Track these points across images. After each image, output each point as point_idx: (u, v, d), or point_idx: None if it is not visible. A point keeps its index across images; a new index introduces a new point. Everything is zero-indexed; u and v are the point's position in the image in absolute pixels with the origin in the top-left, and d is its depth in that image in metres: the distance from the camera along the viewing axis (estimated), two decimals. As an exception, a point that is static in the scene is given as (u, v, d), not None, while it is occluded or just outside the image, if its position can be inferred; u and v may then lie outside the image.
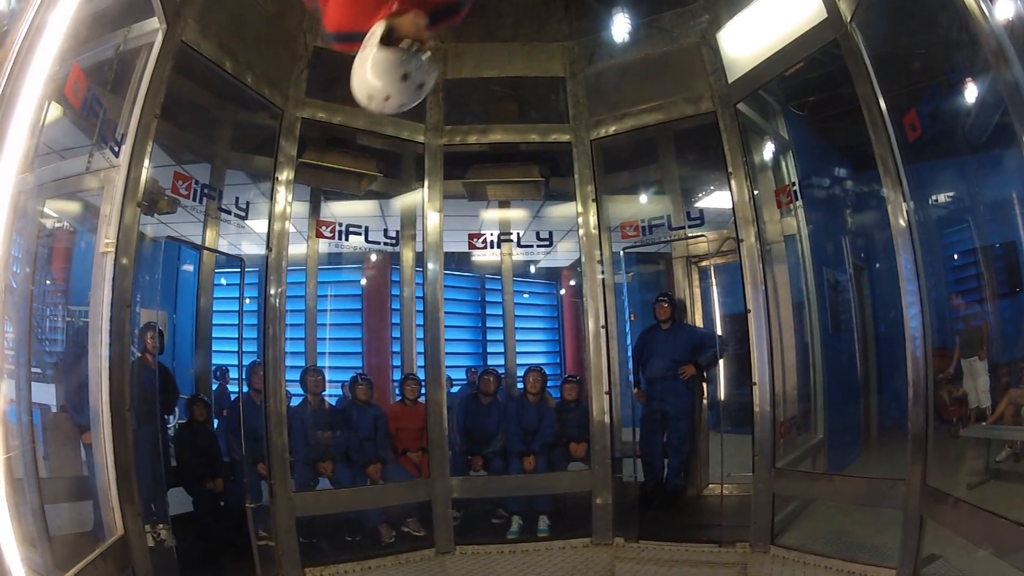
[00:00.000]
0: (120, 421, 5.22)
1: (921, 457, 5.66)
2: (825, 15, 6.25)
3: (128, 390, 5.39)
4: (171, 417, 7.76)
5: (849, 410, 8.63)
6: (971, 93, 5.54)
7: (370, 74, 3.23)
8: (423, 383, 8.40)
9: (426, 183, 8.33)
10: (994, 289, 7.05)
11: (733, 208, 7.61)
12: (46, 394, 6.08)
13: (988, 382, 6.79)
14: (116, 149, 5.47)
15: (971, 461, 6.47)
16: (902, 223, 5.86)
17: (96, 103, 5.17)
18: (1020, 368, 6.55)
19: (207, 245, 7.74)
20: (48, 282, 6.69)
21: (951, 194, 7.43)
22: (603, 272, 8.29)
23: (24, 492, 4.76)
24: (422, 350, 8.50)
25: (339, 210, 9.68)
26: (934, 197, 7.28)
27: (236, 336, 7.43)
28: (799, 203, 7.86)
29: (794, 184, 7.90)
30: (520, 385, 9.22)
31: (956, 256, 7.48)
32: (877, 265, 8.70)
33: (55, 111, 4.82)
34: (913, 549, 5.60)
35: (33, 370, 5.57)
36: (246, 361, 7.64)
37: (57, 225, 6.56)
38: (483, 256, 9.86)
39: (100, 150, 5.39)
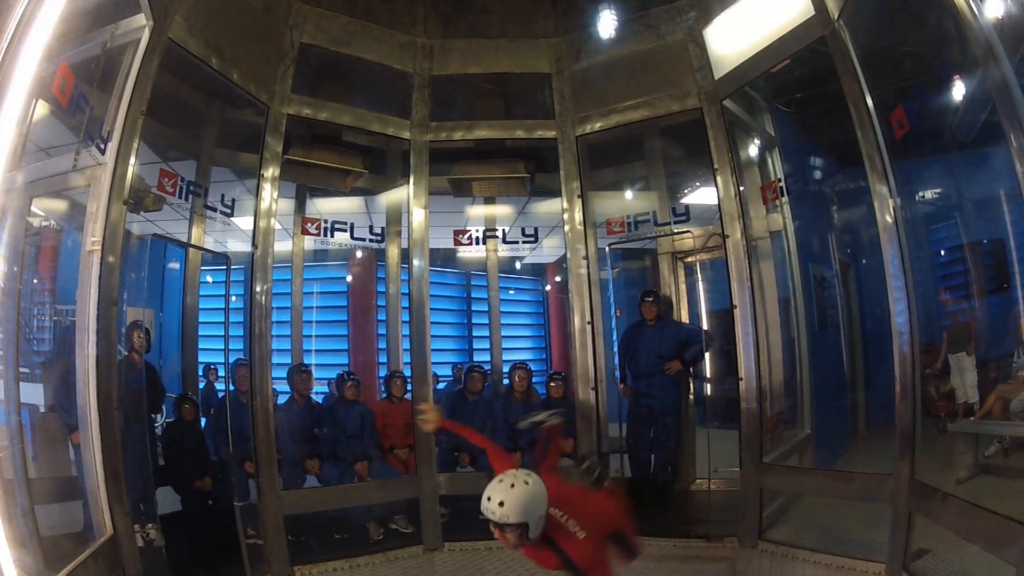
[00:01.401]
0: (108, 420, 5.18)
1: (909, 452, 5.70)
2: (813, 12, 6.28)
3: (115, 389, 5.35)
4: (158, 416, 7.71)
5: (836, 405, 8.68)
6: (959, 90, 5.59)
7: None
8: (409, 380, 8.37)
9: (411, 179, 8.30)
10: (981, 285, 7.11)
11: (719, 204, 7.62)
12: (34, 394, 6.05)
13: (976, 377, 6.85)
14: (102, 146, 5.44)
15: (960, 456, 6.52)
16: (889, 219, 5.89)
17: (83, 100, 5.13)
18: (1008, 363, 6.60)
19: (193, 242, 7.68)
20: (35, 281, 6.65)
21: (938, 191, 7.48)
22: (588, 264, 8.29)
23: (14, 493, 4.74)
24: (408, 347, 8.46)
25: (325, 207, 9.67)
26: (921, 193, 7.33)
27: (222, 334, 7.39)
28: (785, 199, 7.88)
29: (780, 180, 7.89)
30: (506, 382, 9.22)
31: (943, 252, 7.53)
32: (864, 261, 8.74)
33: (42, 108, 4.79)
34: (902, 544, 5.65)
35: (21, 370, 5.54)
36: (232, 359, 7.60)
37: (44, 223, 6.52)
38: (469, 252, 9.83)
39: (87, 148, 5.35)
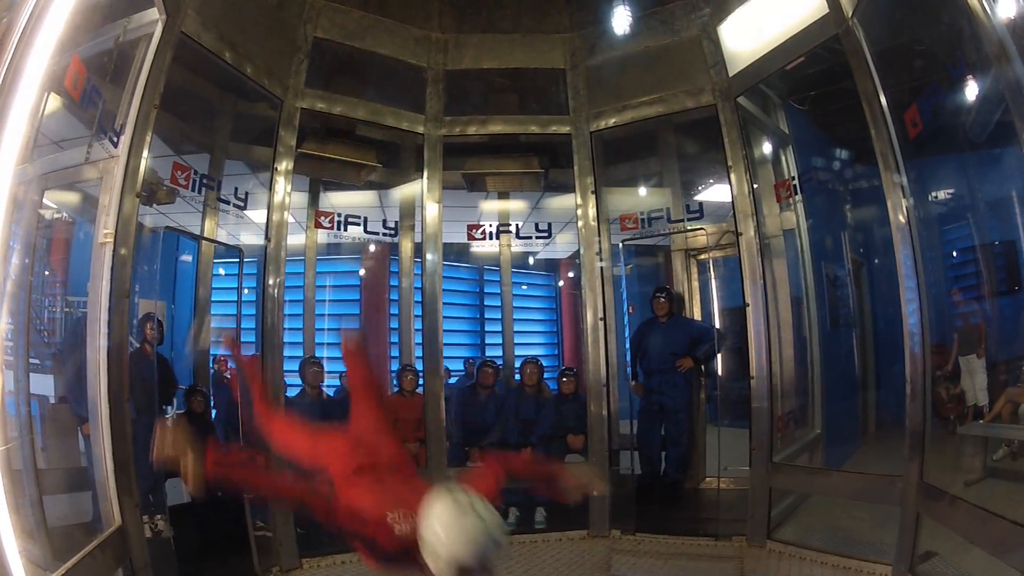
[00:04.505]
0: (118, 412, 5.20)
1: (918, 454, 5.66)
2: (827, 10, 6.22)
3: (126, 381, 5.37)
4: (169, 408, 7.74)
5: (847, 405, 8.64)
6: (972, 90, 5.55)
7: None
8: (421, 374, 8.38)
9: (425, 174, 8.31)
10: (993, 287, 7.06)
11: (732, 202, 7.60)
12: (45, 385, 6.09)
13: (986, 380, 6.81)
14: (115, 139, 5.46)
15: (968, 459, 6.49)
16: (902, 219, 5.85)
17: (96, 94, 5.16)
18: (1018, 366, 6.57)
19: (206, 235, 7.70)
20: (47, 273, 6.69)
21: (951, 191, 7.42)
22: (601, 260, 8.28)
23: (23, 484, 4.77)
24: (420, 341, 8.46)
25: (338, 200, 9.70)
26: (934, 194, 7.28)
27: (235, 327, 7.41)
28: (799, 197, 7.85)
29: (794, 178, 7.88)
30: (518, 377, 9.22)
31: (955, 253, 7.48)
32: (876, 261, 8.70)
33: (55, 102, 4.82)
34: (909, 546, 5.61)
35: (32, 361, 5.58)
36: (244, 352, 7.60)
37: (56, 216, 6.56)
38: (482, 247, 9.89)
39: (99, 140, 5.38)
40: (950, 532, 5.33)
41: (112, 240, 5.31)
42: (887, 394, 7.90)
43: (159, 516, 5.96)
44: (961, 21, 4.91)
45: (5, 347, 5.23)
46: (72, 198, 6.65)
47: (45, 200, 5.88)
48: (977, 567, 5.09)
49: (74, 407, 5.96)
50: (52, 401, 6.22)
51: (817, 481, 7.43)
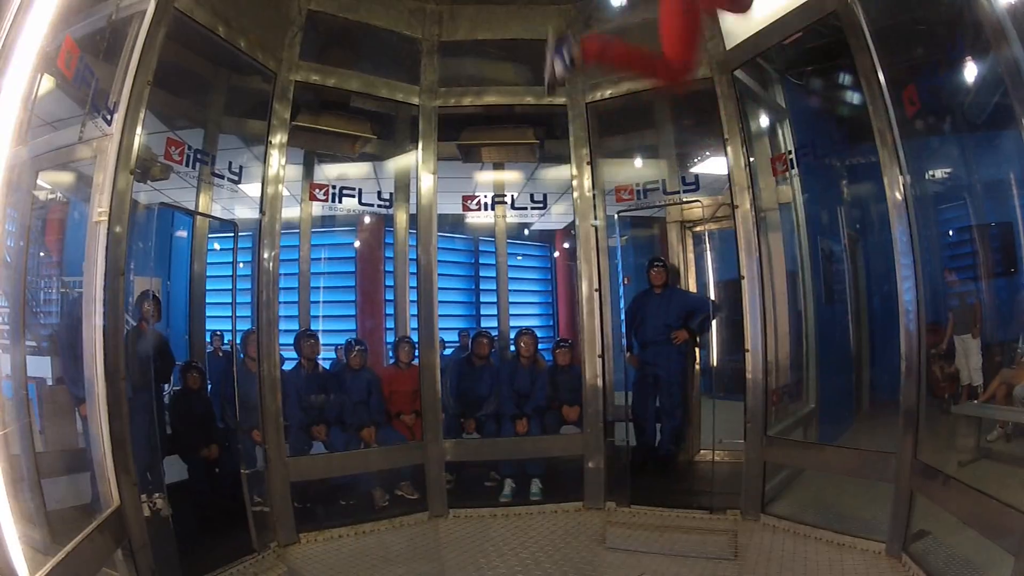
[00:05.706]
0: (115, 391, 5.19)
1: (912, 431, 5.70)
2: (826, -15, 6.18)
3: (122, 359, 5.35)
4: (167, 385, 7.74)
5: (841, 381, 8.68)
6: (971, 71, 5.54)
7: None
8: (416, 346, 8.39)
9: (420, 145, 8.26)
10: (989, 268, 7.08)
11: (729, 174, 7.57)
12: (42, 367, 6.08)
13: (980, 360, 6.84)
14: (109, 117, 5.40)
15: (962, 439, 6.53)
16: (898, 196, 5.84)
17: (88, 72, 5.11)
18: (1012, 348, 6.60)
19: (200, 210, 7.68)
20: (42, 254, 6.65)
21: (948, 170, 7.42)
22: (596, 221, 8.25)
23: (22, 468, 4.78)
24: (415, 312, 8.46)
25: (333, 173, 9.63)
26: (931, 172, 7.27)
27: (230, 301, 7.40)
28: (795, 171, 7.86)
29: (790, 152, 7.88)
30: (513, 348, 9.23)
31: (951, 232, 7.49)
32: (872, 237, 8.70)
33: (47, 82, 4.77)
34: (903, 523, 5.67)
35: (28, 343, 5.57)
36: (240, 326, 7.61)
37: (50, 197, 6.51)
38: (477, 218, 9.80)
39: (93, 119, 5.32)
40: (943, 511, 5.38)
41: (107, 218, 5.27)
42: (881, 371, 7.93)
43: (157, 495, 5.96)
44: (961, 2, 4.89)
45: (2, 330, 5.24)
46: (66, 178, 6.60)
47: (39, 181, 5.84)
48: (970, 548, 5.14)
49: (71, 388, 5.96)
50: (49, 383, 6.23)
51: (811, 456, 7.50)
